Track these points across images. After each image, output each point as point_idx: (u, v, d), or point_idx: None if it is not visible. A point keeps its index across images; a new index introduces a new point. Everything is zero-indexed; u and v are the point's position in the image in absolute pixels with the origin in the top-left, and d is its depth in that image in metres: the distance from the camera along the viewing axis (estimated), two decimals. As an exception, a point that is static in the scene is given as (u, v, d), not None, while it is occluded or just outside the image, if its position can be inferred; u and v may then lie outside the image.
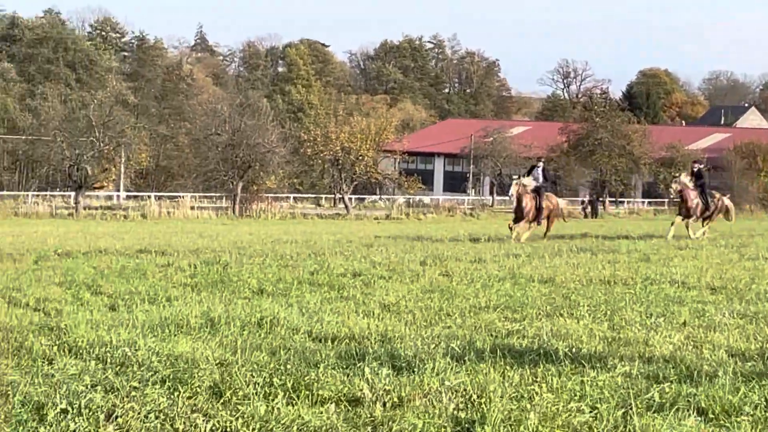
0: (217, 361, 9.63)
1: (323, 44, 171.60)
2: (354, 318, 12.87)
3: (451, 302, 14.46)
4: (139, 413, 7.82)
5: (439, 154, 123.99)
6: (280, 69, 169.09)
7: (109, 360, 9.77)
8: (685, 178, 34.50)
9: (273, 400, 8.28)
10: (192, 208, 76.03)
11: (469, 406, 8.25)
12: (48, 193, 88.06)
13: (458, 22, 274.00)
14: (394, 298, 14.90)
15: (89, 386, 8.52)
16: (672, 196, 38.70)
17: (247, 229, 48.95)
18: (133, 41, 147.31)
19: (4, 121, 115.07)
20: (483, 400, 8.30)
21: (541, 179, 34.38)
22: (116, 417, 7.73)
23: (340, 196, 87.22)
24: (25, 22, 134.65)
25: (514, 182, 34.01)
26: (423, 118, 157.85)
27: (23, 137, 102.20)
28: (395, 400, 8.42)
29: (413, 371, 9.34)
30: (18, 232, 40.73)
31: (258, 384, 8.73)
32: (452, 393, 8.54)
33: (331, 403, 8.34)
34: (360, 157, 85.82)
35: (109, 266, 19.92)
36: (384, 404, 8.31)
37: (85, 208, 73.80)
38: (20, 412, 7.75)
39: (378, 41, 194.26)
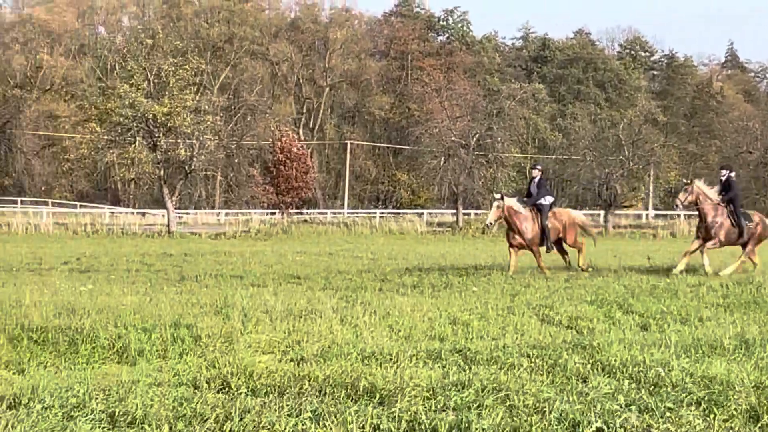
0: (753, 384, 9.31)
1: None
2: None
3: None
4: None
5: None
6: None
7: (642, 380, 9.72)
8: (704, 186, 25.58)
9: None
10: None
11: None
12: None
13: None
14: None
15: (623, 405, 8.51)
16: (678, 209, 26.76)
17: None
18: (662, 59, 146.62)
19: (535, 140, 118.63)
20: None
21: (535, 192, 26.43)
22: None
23: None
24: (556, 43, 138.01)
25: (495, 204, 25.92)
26: None
27: (553, 156, 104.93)
28: None
29: None
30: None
31: (798, 411, 8.36)
32: None
33: None
34: None
35: (640, 285, 19.91)
36: None
37: (614, 227, 74.51)
38: (556, 429, 7.87)
39: None
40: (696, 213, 25.63)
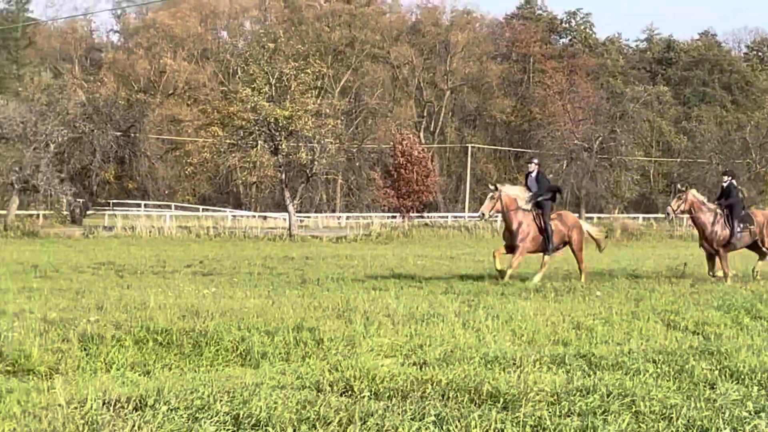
0: None
1: None
2: None
3: None
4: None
5: None
6: None
7: (772, 387, 9.50)
8: (699, 195, 24.87)
9: None
10: None
11: None
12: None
13: None
14: None
15: (752, 413, 8.33)
16: (669, 218, 25.47)
17: None
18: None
19: (659, 143, 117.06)
20: None
21: (535, 188, 24.52)
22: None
23: None
24: (681, 45, 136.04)
25: (489, 196, 24.22)
26: None
27: (678, 160, 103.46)
28: None
29: None
30: (674, 254, 41.23)
31: None
32: None
33: None
34: None
35: (768, 290, 19.63)
36: None
37: (739, 231, 73.32)
38: (684, 437, 7.74)
39: None
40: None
